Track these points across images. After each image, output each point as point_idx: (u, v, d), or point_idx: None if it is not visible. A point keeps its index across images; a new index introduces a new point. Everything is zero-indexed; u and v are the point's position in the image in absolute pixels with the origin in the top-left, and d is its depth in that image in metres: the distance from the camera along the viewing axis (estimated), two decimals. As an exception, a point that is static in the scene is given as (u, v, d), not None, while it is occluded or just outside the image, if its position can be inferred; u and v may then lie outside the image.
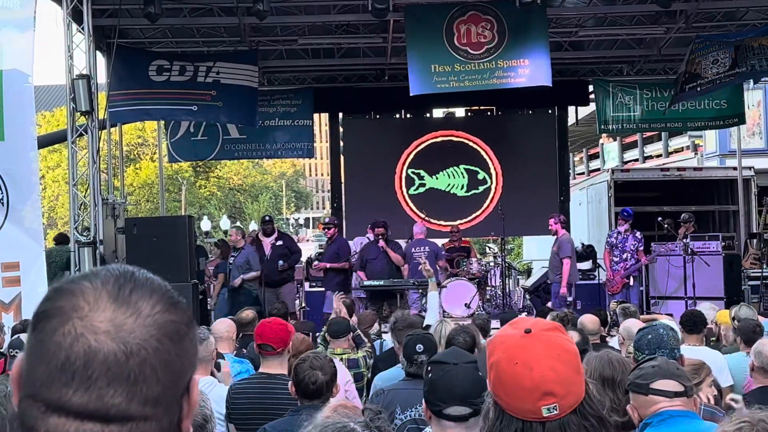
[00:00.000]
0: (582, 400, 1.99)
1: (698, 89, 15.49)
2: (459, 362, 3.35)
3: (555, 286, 14.95)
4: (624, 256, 15.17)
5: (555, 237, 15.25)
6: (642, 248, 15.19)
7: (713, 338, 8.52)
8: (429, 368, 3.44)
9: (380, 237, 14.52)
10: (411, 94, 14.09)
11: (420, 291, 14.46)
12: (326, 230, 15.54)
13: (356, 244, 15.52)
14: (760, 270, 16.34)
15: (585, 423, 1.98)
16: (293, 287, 15.38)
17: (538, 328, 2.05)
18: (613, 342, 8.09)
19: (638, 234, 15.25)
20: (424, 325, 7.51)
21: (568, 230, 15.83)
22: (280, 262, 14.89)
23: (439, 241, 17.74)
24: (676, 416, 3.47)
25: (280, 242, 15.20)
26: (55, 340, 1.15)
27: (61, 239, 15.04)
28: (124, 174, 21.01)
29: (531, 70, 14.04)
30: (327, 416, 2.73)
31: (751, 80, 17.35)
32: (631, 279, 15.14)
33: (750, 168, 18.66)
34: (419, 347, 5.31)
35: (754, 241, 17.13)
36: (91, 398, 1.13)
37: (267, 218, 16.12)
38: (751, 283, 16.41)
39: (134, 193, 39.97)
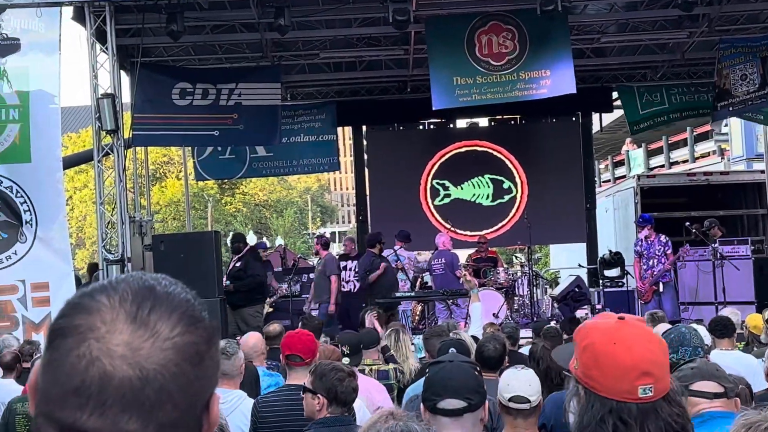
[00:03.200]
0: (669, 390, 2.03)
1: (730, 109, 15.50)
2: (455, 360, 3.36)
3: (323, 306, 14.71)
4: (650, 262, 14.91)
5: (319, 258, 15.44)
6: (670, 251, 14.91)
7: (743, 342, 8.44)
8: (427, 370, 3.44)
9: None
10: (434, 109, 14.11)
11: (447, 302, 14.54)
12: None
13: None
14: (792, 273, 16.16)
15: (674, 410, 2.00)
16: (253, 311, 14.55)
17: (631, 318, 2.10)
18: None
19: (663, 238, 14.97)
20: (470, 335, 7.50)
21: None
22: (226, 282, 14.44)
23: (466, 252, 17.73)
24: (717, 417, 3.42)
25: (239, 263, 14.77)
26: (70, 361, 1.12)
27: (94, 269, 15.17)
28: (151, 192, 21.14)
29: (553, 81, 13.98)
30: (379, 421, 2.72)
31: None
32: (661, 285, 14.85)
33: (778, 171, 18.50)
34: (452, 351, 5.28)
35: (784, 244, 16.98)
36: (106, 423, 1.11)
37: (231, 238, 16.15)
38: (782, 286, 16.23)
39: (161, 211, 40.17)
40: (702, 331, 6.89)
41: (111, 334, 1.13)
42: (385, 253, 15.39)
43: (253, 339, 7.70)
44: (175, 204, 42.41)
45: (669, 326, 6.71)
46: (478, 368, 3.43)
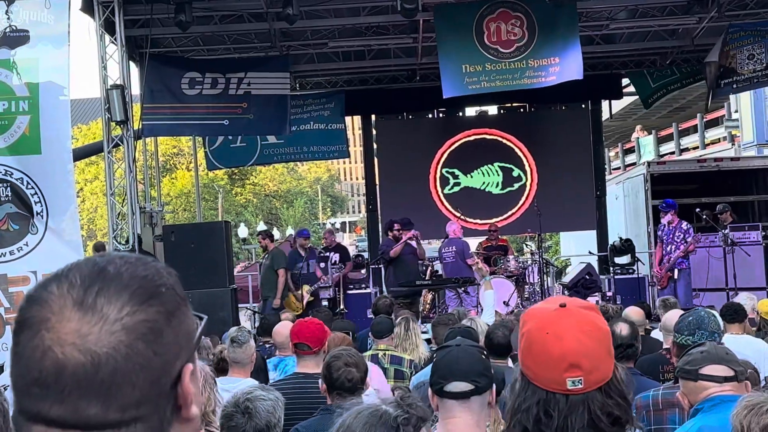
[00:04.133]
0: (609, 380, 1.98)
1: (734, 86, 15.37)
2: (462, 344, 3.37)
3: (269, 301, 14.71)
4: (668, 248, 14.73)
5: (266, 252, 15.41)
6: (691, 239, 14.65)
7: (754, 328, 8.43)
8: (434, 355, 3.45)
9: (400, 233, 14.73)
10: (444, 97, 14.09)
11: (460, 289, 14.55)
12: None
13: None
14: (803, 259, 16.11)
15: (609, 401, 1.96)
16: None
17: (574, 304, 2.05)
18: (656, 334, 8.04)
19: (685, 225, 14.64)
20: (482, 323, 7.50)
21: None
22: None
23: (476, 240, 17.73)
24: (728, 401, 3.40)
25: None
26: (27, 353, 1.14)
27: (100, 247, 15.20)
28: (161, 184, 21.19)
29: (561, 68, 13.95)
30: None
31: None
32: (676, 272, 14.64)
33: (789, 156, 18.44)
34: (458, 340, 5.29)
35: (795, 229, 16.89)
36: (68, 410, 1.12)
37: None
38: (794, 272, 16.18)
39: (171, 202, 40.28)
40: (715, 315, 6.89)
41: (60, 323, 1.14)
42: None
43: (285, 329, 7.56)
44: (185, 195, 42.53)
45: (682, 312, 6.72)
46: (485, 352, 3.44)
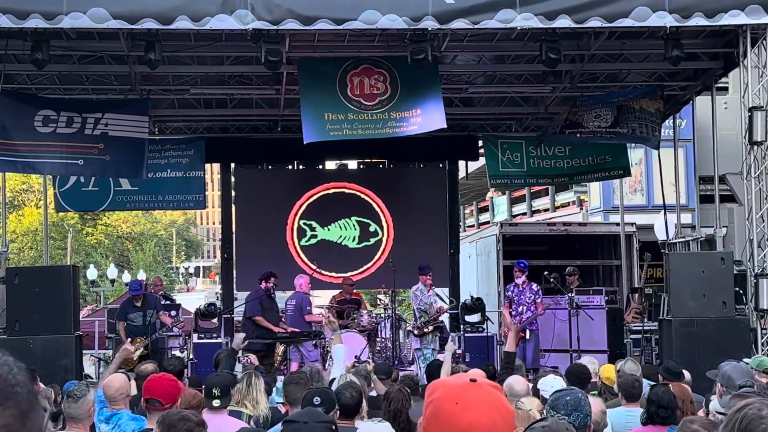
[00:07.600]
0: None
1: (578, 135, 15.85)
2: (310, 421, 3.36)
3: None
4: (520, 309, 15.13)
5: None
6: (540, 300, 15.19)
7: (594, 392, 8.68)
8: (282, 428, 3.43)
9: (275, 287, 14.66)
10: (305, 143, 14.01)
11: (314, 343, 14.57)
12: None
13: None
14: (642, 324, 16.76)
15: None
16: None
17: (483, 381, 2.10)
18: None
19: (535, 286, 15.25)
20: (330, 378, 7.48)
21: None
22: None
23: (330, 293, 17.75)
24: None
25: None
26: None
27: None
28: (6, 221, 20.39)
29: (423, 118, 14.12)
30: None
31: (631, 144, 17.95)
32: (527, 333, 15.03)
33: (632, 224, 19.26)
34: (316, 400, 5.26)
35: (636, 295, 17.59)
36: None
37: None
38: (633, 336, 16.81)
39: (17, 240, 38.79)
40: (559, 380, 7.08)
41: None
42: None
43: (117, 381, 7.20)
44: (32, 233, 41.04)
45: (522, 378, 6.86)
46: (333, 426, 3.44)
